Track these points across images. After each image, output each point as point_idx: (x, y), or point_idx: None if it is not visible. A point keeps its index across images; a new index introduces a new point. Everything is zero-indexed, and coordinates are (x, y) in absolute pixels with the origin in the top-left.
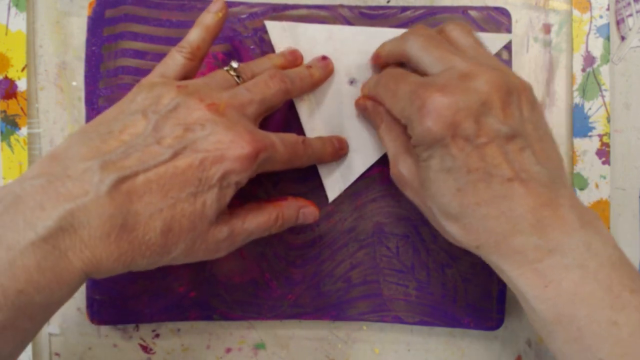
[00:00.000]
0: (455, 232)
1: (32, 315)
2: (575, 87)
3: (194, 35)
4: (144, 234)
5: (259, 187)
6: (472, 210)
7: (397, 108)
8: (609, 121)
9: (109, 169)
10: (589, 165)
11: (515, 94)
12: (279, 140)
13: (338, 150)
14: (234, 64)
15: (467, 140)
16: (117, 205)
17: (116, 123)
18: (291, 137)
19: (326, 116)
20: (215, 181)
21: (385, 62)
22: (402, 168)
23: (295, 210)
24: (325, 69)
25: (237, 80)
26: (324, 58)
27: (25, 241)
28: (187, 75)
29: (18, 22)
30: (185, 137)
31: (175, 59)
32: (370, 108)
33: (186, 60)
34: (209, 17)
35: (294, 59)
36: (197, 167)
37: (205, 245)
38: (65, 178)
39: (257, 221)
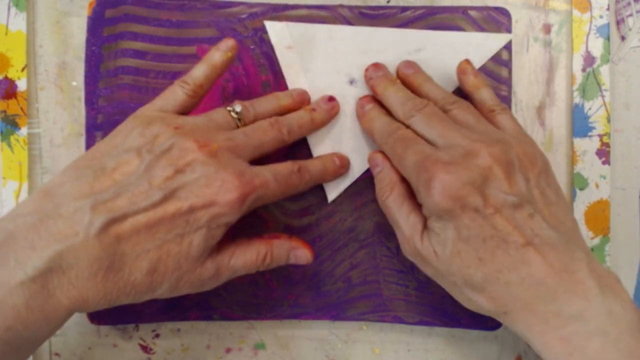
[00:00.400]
0: (483, 302)
1: (19, 348)
2: (575, 87)
3: (199, 72)
4: (130, 274)
5: None
6: (495, 279)
7: (405, 174)
8: (609, 121)
9: (99, 211)
10: (589, 165)
11: (518, 163)
12: (271, 176)
13: (339, 169)
14: (237, 108)
15: (476, 212)
16: (105, 247)
17: (110, 160)
18: (285, 168)
19: None
20: (202, 223)
21: (380, 101)
22: (421, 247)
23: (286, 250)
24: (329, 112)
25: (238, 123)
26: (331, 99)
27: (15, 280)
28: (185, 111)
29: (18, 22)
30: (176, 179)
31: (177, 94)
32: (384, 173)
33: (187, 97)
34: (217, 55)
35: (301, 100)
36: (185, 212)
37: (190, 282)
38: (57, 217)
39: (245, 259)
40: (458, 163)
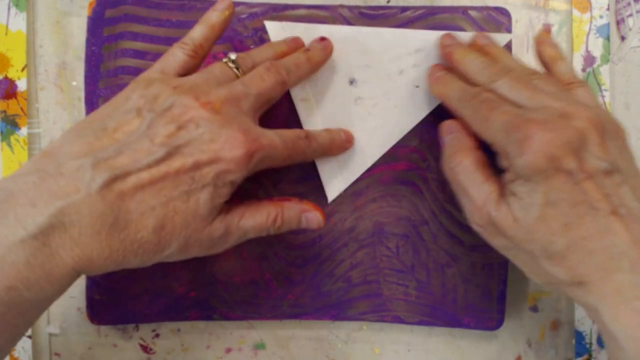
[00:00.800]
0: (559, 272)
1: (22, 311)
2: None
3: (198, 33)
4: (136, 232)
5: (259, 186)
6: (580, 246)
7: (489, 136)
8: None
9: (100, 167)
10: None
11: (612, 131)
12: (278, 138)
13: (345, 143)
14: (232, 56)
15: (569, 175)
16: (108, 204)
17: (110, 120)
18: (292, 133)
19: (326, 116)
20: (209, 180)
21: (456, 68)
22: (498, 215)
23: (297, 212)
24: (324, 50)
25: (237, 72)
26: (323, 39)
27: (15, 238)
28: (187, 72)
29: (18, 22)
30: (179, 135)
31: (176, 56)
32: (457, 139)
33: (187, 57)
34: (214, 15)
35: (295, 46)
36: (190, 168)
37: (199, 242)
38: (58, 175)
39: (254, 220)
40: (555, 122)
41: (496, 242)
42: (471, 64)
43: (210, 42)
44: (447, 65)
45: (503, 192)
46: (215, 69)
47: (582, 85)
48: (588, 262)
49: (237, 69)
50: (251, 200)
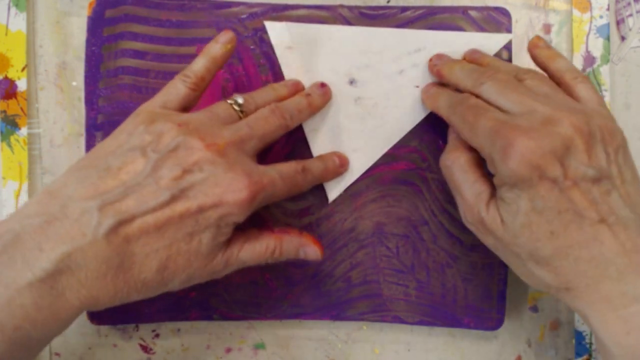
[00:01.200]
0: (546, 275)
1: (28, 347)
2: None
3: (200, 65)
4: (140, 272)
5: None
6: (565, 254)
7: (476, 142)
8: None
9: (107, 212)
10: None
11: (600, 135)
12: (278, 175)
13: (339, 168)
14: (239, 100)
15: (554, 182)
16: (114, 248)
17: (114, 159)
18: (290, 167)
19: (326, 116)
20: (212, 222)
21: (447, 82)
22: (486, 216)
23: (295, 246)
24: (323, 96)
25: (240, 115)
26: (323, 85)
27: (23, 281)
28: (188, 104)
29: (18, 22)
30: (184, 179)
31: (178, 89)
32: (452, 138)
33: (189, 91)
34: (216, 48)
35: (295, 90)
36: (195, 212)
37: (201, 277)
38: (64, 218)
39: (253, 251)
40: (538, 130)
41: (487, 241)
42: (459, 72)
43: (212, 74)
44: (439, 82)
45: (494, 194)
46: (219, 109)
47: (583, 81)
48: (574, 270)
49: (241, 111)
50: (251, 229)
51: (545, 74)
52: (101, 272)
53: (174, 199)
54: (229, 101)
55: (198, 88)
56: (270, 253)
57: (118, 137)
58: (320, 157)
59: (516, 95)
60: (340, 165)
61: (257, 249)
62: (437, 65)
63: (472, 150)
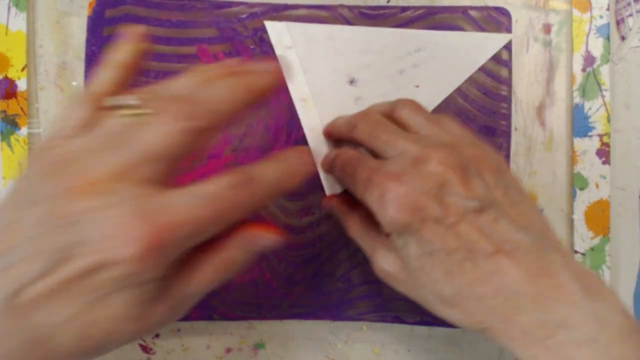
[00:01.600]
0: (457, 317)
1: None
2: (575, 87)
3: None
4: (58, 345)
5: None
6: (467, 292)
7: (359, 196)
8: (609, 121)
9: None
10: (589, 165)
11: (473, 165)
12: (194, 202)
13: (305, 166)
14: (130, 101)
15: (437, 223)
16: (15, 322)
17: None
18: (220, 183)
19: (326, 116)
20: (113, 284)
21: (339, 139)
22: (385, 264)
23: (245, 250)
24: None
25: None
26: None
27: None
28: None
29: (18, 22)
30: (62, 236)
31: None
32: (335, 208)
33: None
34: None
35: (224, 73)
36: (80, 277)
37: (146, 332)
38: None
39: (199, 283)
40: (409, 173)
41: (400, 290)
42: (339, 122)
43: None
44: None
45: (385, 241)
46: (103, 130)
47: (449, 119)
48: (482, 308)
49: (142, 115)
50: (191, 257)
51: (415, 102)
52: (10, 352)
53: (58, 261)
54: (118, 111)
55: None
56: (222, 273)
57: (11, 194)
58: (274, 157)
59: (385, 136)
60: (305, 162)
61: (204, 277)
62: (326, 129)
63: (358, 209)
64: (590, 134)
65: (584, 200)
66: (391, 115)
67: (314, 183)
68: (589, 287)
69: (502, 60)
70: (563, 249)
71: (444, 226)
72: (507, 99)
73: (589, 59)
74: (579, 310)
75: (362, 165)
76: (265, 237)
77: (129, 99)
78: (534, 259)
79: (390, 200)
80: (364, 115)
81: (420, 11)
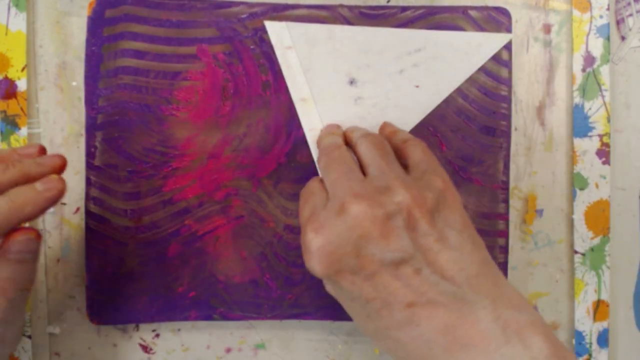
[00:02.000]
0: (386, 351)
1: None
2: (575, 87)
3: None
4: None
5: (258, 185)
6: (386, 335)
7: None
8: (609, 121)
9: None
10: (589, 165)
11: (399, 215)
12: None
13: (45, 194)
14: None
15: (354, 274)
16: None
17: None
18: None
19: (326, 116)
20: None
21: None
22: (330, 291)
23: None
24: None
25: None
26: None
27: None
28: None
29: (18, 22)
30: None
31: None
32: None
33: None
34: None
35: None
36: None
37: None
38: None
39: None
40: (329, 223)
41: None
42: (321, 143)
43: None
44: None
45: None
46: None
47: (414, 144)
48: (401, 349)
49: None
50: None
51: (378, 137)
52: None
53: None
54: None
55: None
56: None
57: None
58: (7, 194)
59: (334, 176)
60: (46, 189)
61: None
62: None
63: None
64: (590, 134)
65: (584, 200)
66: (354, 143)
67: None
68: (513, 332)
69: (502, 60)
70: (501, 287)
71: (362, 276)
72: (507, 99)
73: (589, 59)
74: (494, 358)
75: (308, 202)
76: (14, 244)
77: None
78: (455, 309)
79: (309, 249)
80: (327, 147)
81: (420, 11)
